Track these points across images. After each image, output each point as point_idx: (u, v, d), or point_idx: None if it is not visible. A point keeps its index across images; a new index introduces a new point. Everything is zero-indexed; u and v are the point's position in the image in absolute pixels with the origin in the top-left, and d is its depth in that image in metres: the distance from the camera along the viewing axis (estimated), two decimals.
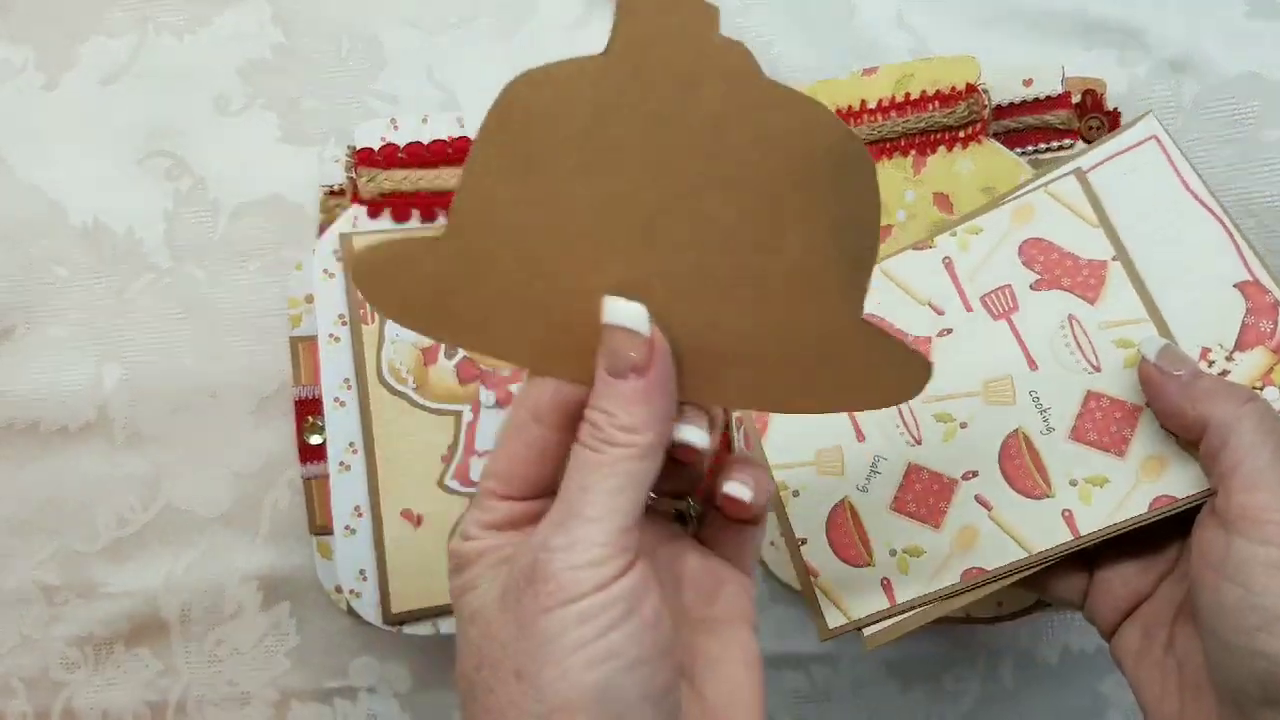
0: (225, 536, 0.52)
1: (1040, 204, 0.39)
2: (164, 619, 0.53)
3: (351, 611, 0.47)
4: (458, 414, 0.48)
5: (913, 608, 0.38)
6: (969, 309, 0.39)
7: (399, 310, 0.28)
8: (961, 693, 0.51)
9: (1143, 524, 0.35)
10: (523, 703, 0.25)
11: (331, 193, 0.51)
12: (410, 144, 0.49)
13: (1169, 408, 0.34)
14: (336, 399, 0.47)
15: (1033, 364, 0.37)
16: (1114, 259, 0.37)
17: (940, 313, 0.39)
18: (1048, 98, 0.46)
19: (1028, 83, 0.46)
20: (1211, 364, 0.36)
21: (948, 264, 0.40)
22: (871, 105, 0.47)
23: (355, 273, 0.29)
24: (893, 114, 0.46)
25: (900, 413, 0.39)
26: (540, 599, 0.26)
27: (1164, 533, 0.37)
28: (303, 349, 0.50)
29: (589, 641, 0.25)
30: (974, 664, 0.51)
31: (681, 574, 0.32)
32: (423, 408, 0.48)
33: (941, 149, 0.45)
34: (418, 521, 0.47)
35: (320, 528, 0.49)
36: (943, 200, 0.45)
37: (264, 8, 0.53)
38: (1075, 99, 0.47)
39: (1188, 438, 0.35)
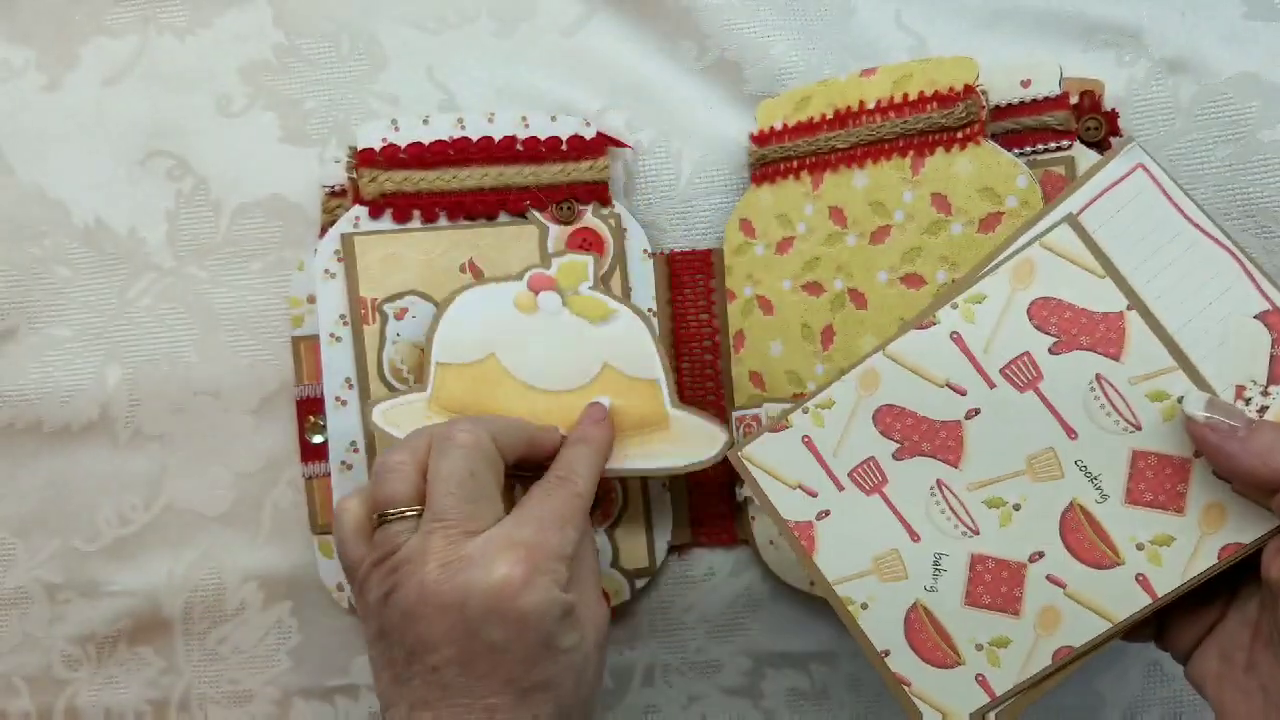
0: (227, 535, 0.52)
1: (1040, 259, 0.37)
2: (166, 617, 0.53)
3: (353, 610, 0.47)
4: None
5: (1011, 697, 0.38)
6: (991, 385, 0.37)
7: None
8: None
9: (1216, 573, 0.35)
10: None
11: (333, 193, 0.51)
12: (411, 144, 0.49)
13: (1236, 467, 0.33)
14: (338, 398, 0.48)
15: (1071, 433, 0.36)
16: (1129, 308, 0.36)
17: (962, 393, 0.37)
18: (1045, 98, 0.46)
19: (1025, 83, 0.46)
20: (1249, 402, 0.35)
21: (957, 339, 0.38)
22: (870, 106, 0.47)
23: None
24: (891, 115, 0.46)
25: (949, 504, 0.38)
26: None
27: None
28: (304, 348, 0.50)
29: None
30: None
31: None
32: None
33: (940, 150, 0.45)
34: None
35: (322, 527, 0.49)
36: (940, 201, 0.45)
37: (265, 9, 0.54)
38: (1073, 100, 0.47)
39: (1263, 491, 0.34)
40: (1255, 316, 0.35)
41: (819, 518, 0.39)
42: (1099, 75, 0.48)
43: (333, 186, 0.51)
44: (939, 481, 0.38)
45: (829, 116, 0.48)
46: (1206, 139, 0.49)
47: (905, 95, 0.46)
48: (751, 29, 0.51)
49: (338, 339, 0.48)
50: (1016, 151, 0.45)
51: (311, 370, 0.50)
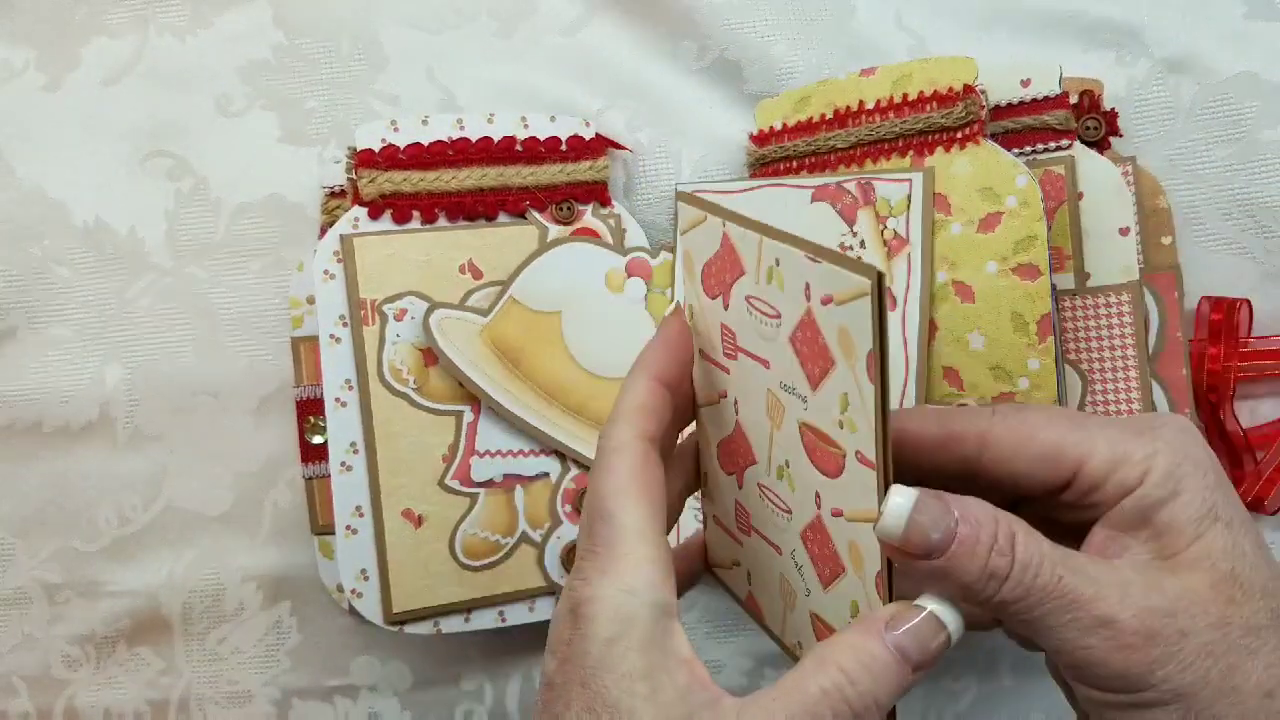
0: (227, 536, 0.52)
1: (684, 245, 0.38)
2: (166, 618, 0.53)
3: (353, 611, 0.48)
4: (458, 414, 0.48)
5: None
6: (726, 370, 0.37)
7: None
8: (960, 691, 0.52)
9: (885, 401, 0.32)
10: None
11: (332, 194, 0.51)
12: (410, 145, 0.49)
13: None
14: (338, 399, 0.48)
15: (765, 363, 0.35)
16: (724, 223, 0.35)
17: (722, 395, 0.38)
18: (1045, 98, 0.46)
19: (1025, 83, 0.46)
20: (851, 249, 0.41)
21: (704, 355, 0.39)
22: (870, 106, 0.47)
23: None
24: (890, 114, 0.46)
25: (770, 499, 0.37)
26: None
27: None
28: (304, 349, 0.50)
29: None
30: (972, 662, 0.52)
31: None
32: (424, 408, 0.48)
33: (939, 150, 0.45)
34: (419, 521, 0.47)
35: (322, 527, 0.49)
36: (940, 201, 0.45)
37: (265, 9, 0.54)
38: (1073, 99, 0.47)
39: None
40: (811, 202, 0.43)
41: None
42: (1099, 75, 0.49)
43: (332, 187, 0.51)
44: (759, 485, 0.37)
45: (828, 116, 0.48)
46: (1206, 139, 0.49)
47: (905, 95, 0.46)
48: (751, 29, 0.52)
49: (337, 340, 0.48)
50: (1016, 151, 0.46)
51: (311, 371, 0.50)
